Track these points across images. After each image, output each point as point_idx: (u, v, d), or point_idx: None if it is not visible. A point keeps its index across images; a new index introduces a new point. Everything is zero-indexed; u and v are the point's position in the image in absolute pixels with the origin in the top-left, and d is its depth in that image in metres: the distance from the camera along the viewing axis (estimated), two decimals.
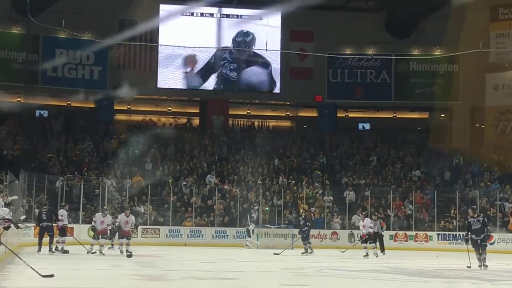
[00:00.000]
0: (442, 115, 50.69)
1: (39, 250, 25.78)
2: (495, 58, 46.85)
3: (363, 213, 32.13)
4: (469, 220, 22.92)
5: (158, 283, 16.21)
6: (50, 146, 42.49)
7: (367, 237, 28.67)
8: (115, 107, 47.79)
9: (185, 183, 39.79)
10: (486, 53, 42.61)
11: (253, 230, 34.45)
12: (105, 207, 30.80)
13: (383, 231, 30.55)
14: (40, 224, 26.34)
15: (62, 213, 27.57)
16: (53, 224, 26.53)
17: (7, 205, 18.52)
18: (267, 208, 38.76)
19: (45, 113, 46.42)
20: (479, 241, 22.16)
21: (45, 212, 26.58)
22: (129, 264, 21.56)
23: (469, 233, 22.41)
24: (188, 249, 30.57)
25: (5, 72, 43.67)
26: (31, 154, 40.94)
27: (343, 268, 22.12)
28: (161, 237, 36.21)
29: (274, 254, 27.73)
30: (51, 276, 15.83)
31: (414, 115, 51.22)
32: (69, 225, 34.73)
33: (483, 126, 48.66)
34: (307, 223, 30.56)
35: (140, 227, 34.81)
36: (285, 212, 38.77)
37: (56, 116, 45.74)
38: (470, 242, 22.35)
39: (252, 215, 35.07)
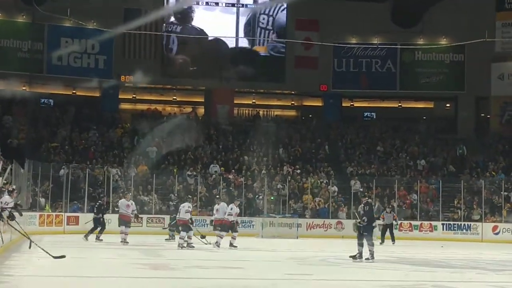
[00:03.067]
0: (448, 105, 50.63)
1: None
2: (500, 47, 46.77)
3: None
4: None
5: (162, 272, 16.22)
6: (55, 135, 42.49)
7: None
8: (120, 96, 47.77)
9: (189, 172, 39.75)
10: (492, 42, 42.45)
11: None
12: (126, 192, 30.74)
13: (397, 222, 31.61)
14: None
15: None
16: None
17: (9, 192, 18.49)
18: (272, 198, 38.76)
19: (51, 102, 46.41)
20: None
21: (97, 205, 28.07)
22: (133, 253, 21.59)
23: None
24: (193, 239, 30.51)
25: (10, 61, 43.68)
26: (36, 142, 40.95)
27: (347, 257, 22.10)
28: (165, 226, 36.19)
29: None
30: (63, 257, 15.89)
31: (420, 105, 51.13)
32: (74, 214, 35.17)
33: (488, 116, 48.59)
34: None
35: (145, 216, 34.89)
36: (290, 202, 38.76)
37: (61, 105, 45.73)
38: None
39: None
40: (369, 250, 19.90)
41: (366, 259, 19.71)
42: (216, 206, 26.07)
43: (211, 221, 27.29)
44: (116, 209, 28.63)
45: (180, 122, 42.60)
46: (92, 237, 27.30)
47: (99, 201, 29.40)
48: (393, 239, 31.22)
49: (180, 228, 24.75)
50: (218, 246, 24.15)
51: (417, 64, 48.99)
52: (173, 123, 42.60)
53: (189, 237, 24.19)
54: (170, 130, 42.11)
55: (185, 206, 24.53)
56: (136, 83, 45.48)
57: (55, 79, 45.16)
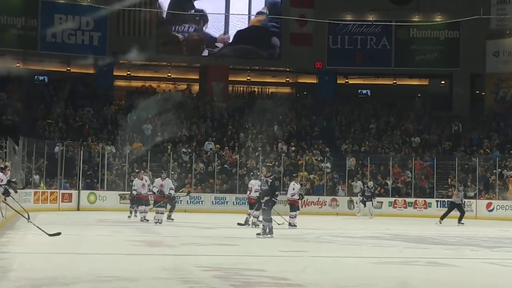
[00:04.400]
0: (442, 82, 50.73)
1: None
2: (495, 24, 46.72)
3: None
4: None
5: (158, 249, 16.26)
6: (49, 112, 42.44)
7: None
8: (114, 73, 47.69)
9: (184, 150, 39.77)
10: (487, 19, 42.47)
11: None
12: (139, 171, 29.07)
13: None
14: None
15: None
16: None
17: (2, 169, 18.45)
18: None
19: (45, 79, 46.31)
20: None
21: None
22: (129, 230, 21.64)
23: None
24: (188, 215, 30.59)
25: (4, 37, 43.51)
26: (31, 120, 40.91)
27: (342, 234, 22.20)
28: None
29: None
30: (58, 234, 15.91)
31: (415, 82, 51.22)
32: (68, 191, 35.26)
33: (483, 93, 48.63)
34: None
35: None
36: (284, 179, 38.79)
37: (56, 82, 45.65)
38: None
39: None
40: (263, 225, 19.23)
41: (257, 234, 19.07)
42: (291, 185, 25.46)
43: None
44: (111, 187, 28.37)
45: (174, 99, 42.54)
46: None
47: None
48: (460, 219, 29.82)
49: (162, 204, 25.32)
50: (295, 226, 24.11)
51: (412, 41, 48.95)
52: (168, 99, 42.51)
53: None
54: (164, 107, 42.08)
55: (170, 183, 25.73)
56: (130, 60, 45.34)
57: (50, 56, 45.10)
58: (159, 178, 25.94)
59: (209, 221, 27.06)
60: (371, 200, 33.59)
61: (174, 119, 42.92)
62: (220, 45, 48.13)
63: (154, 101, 42.71)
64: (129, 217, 27.85)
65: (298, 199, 25.55)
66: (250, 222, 23.45)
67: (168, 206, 26.66)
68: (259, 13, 48.87)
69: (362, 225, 27.64)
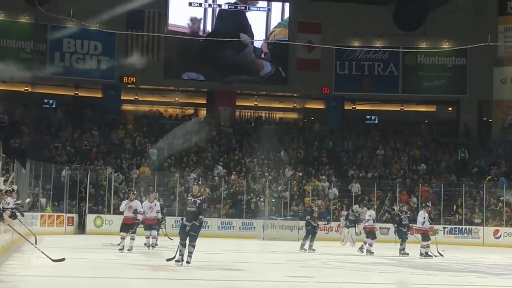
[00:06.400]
0: (450, 109, 50.66)
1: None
2: (503, 52, 46.84)
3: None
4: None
5: (163, 273, 16.23)
6: (57, 136, 42.55)
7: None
8: (122, 97, 47.78)
9: (189, 177, 39.43)
10: (494, 46, 42.52)
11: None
12: (149, 193, 28.32)
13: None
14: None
15: None
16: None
17: (8, 192, 18.46)
18: (273, 200, 38.80)
19: (53, 103, 46.45)
20: None
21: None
22: (134, 254, 21.59)
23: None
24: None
25: (13, 61, 43.67)
26: (38, 143, 40.98)
27: (349, 260, 22.11)
28: (167, 227, 36.08)
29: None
30: (62, 260, 15.88)
31: (422, 108, 51.15)
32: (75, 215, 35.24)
33: (490, 120, 48.58)
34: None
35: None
36: (292, 205, 38.76)
37: (64, 106, 45.81)
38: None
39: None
40: (189, 252, 17.61)
41: (176, 261, 17.43)
42: (368, 212, 26.86)
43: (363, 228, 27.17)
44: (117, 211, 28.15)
45: (185, 125, 42.73)
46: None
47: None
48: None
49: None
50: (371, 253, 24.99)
51: (420, 68, 48.99)
52: (180, 126, 42.73)
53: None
54: (173, 132, 42.24)
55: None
56: (138, 84, 45.56)
57: (58, 80, 45.29)
58: (127, 200, 23.88)
59: (215, 245, 26.99)
60: (354, 226, 29.90)
61: (182, 144, 42.92)
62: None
63: (162, 125, 42.89)
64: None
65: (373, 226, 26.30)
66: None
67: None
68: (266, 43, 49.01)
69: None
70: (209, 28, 48.05)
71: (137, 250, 23.14)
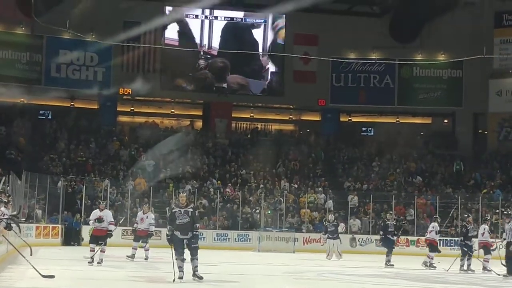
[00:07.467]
0: (445, 121, 50.74)
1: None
2: (498, 64, 46.98)
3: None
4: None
5: (159, 285, 16.19)
6: (53, 147, 42.48)
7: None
8: (118, 109, 47.78)
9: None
10: (490, 59, 42.68)
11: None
12: (143, 204, 28.73)
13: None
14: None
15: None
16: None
17: (4, 204, 18.40)
18: (269, 212, 38.77)
19: (49, 114, 46.41)
20: None
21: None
22: (130, 266, 21.54)
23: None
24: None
25: (9, 72, 43.68)
26: (34, 154, 40.91)
27: (344, 272, 22.09)
28: (162, 239, 35.88)
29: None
30: (52, 277, 15.82)
31: (417, 120, 51.24)
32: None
33: (486, 132, 48.66)
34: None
35: None
36: (288, 217, 38.72)
37: (60, 117, 45.76)
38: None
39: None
40: (194, 266, 16.95)
41: (179, 277, 16.54)
42: (432, 224, 26.77)
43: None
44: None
45: (179, 137, 42.61)
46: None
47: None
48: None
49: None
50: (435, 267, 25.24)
51: (415, 80, 49.10)
52: (172, 137, 42.58)
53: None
54: (168, 144, 42.11)
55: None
56: (134, 96, 45.55)
57: (54, 91, 45.23)
58: (97, 210, 22.88)
59: (210, 257, 26.92)
60: (337, 237, 28.76)
61: (178, 155, 42.87)
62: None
63: (158, 137, 42.83)
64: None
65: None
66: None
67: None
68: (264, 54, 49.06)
69: (364, 262, 27.49)
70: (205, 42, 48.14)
71: (133, 262, 23.10)
